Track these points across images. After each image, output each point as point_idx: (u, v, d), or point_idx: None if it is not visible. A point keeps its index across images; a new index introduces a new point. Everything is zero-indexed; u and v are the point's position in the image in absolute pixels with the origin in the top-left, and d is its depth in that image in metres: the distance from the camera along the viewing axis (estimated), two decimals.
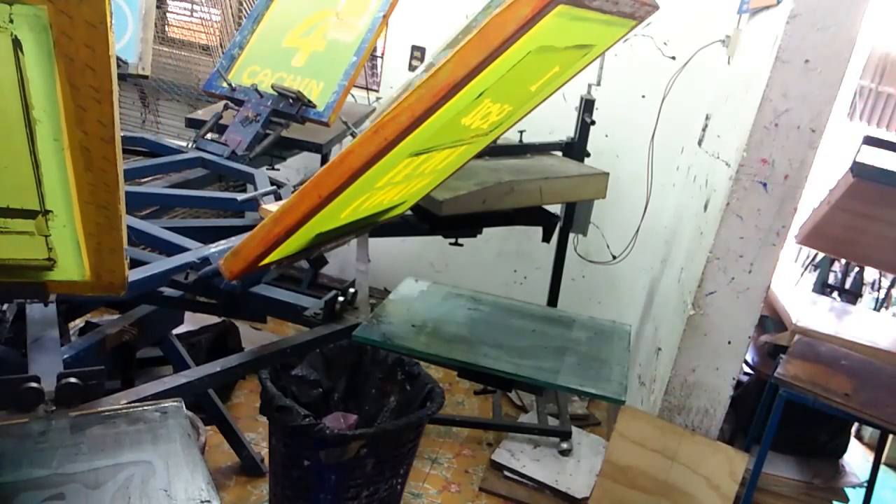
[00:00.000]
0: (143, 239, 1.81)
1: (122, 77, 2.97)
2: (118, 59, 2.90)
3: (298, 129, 2.68)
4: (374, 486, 2.01)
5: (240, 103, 2.66)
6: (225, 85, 2.69)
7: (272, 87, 2.59)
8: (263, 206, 1.89)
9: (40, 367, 1.26)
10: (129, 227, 1.79)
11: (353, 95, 2.79)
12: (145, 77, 3.10)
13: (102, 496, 0.95)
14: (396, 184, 1.51)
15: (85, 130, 0.96)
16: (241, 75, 2.73)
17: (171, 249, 1.72)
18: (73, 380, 1.16)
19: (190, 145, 2.62)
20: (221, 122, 2.68)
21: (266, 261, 1.44)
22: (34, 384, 1.14)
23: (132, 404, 1.19)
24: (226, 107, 2.71)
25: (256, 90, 2.64)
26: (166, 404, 1.19)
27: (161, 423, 1.13)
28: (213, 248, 1.69)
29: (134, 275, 1.49)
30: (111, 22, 0.88)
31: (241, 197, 2.03)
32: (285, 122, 2.63)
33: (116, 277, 1.17)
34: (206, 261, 1.60)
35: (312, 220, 1.33)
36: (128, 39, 3.02)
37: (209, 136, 2.66)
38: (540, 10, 1.03)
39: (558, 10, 1.06)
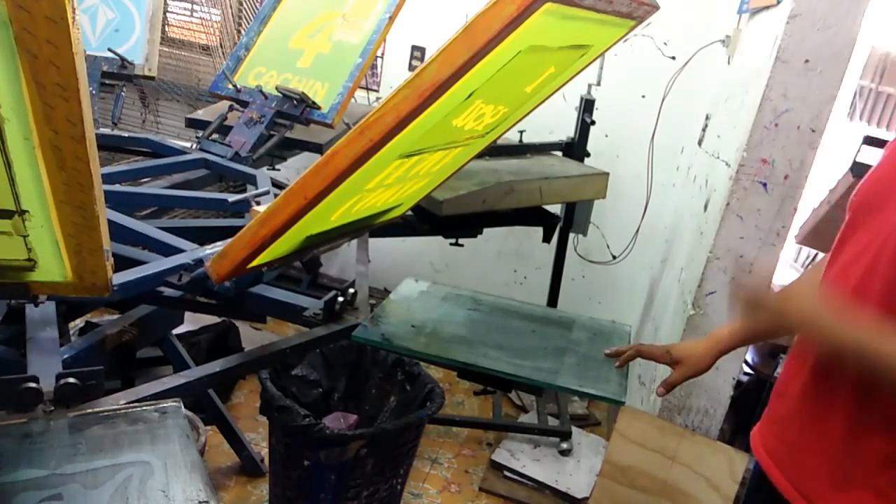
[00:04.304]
0: (139, 239, 1.81)
1: (129, 78, 2.97)
2: (124, 59, 2.91)
3: (300, 128, 2.69)
4: (374, 486, 2.02)
5: (245, 104, 2.67)
6: (230, 86, 2.70)
7: (276, 88, 2.59)
8: (254, 207, 1.88)
9: (39, 367, 1.25)
10: (125, 227, 1.80)
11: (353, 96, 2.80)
12: (151, 78, 3.10)
13: (100, 496, 0.95)
14: (389, 186, 1.49)
15: (55, 129, 0.94)
16: (248, 76, 2.74)
17: (167, 250, 1.72)
18: (71, 380, 1.16)
19: (193, 146, 2.62)
20: (226, 122, 2.68)
21: (255, 263, 1.41)
22: (32, 384, 1.14)
23: (131, 404, 1.19)
24: (231, 108, 2.72)
25: (261, 91, 2.64)
26: (165, 404, 1.19)
27: (160, 423, 1.13)
28: (209, 250, 1.67)
29: (127, 276, 1.49)
30: (74, 18, 0.86)
31: (231, 198, 2.02)
32: (289, 123, 2.63)
33: (99, 279, 1.16)
34: (200, 262, 1.59)
35: (301, 222, 1.31)
36: (135, 41, 3.02)
37: (212, 136, 2.66)
38: (525, 8, 1.00)
39: (546, 9, 1.03)
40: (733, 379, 2.39)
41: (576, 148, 3.07)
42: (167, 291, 1.66)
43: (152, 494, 0.97)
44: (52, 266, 1.12)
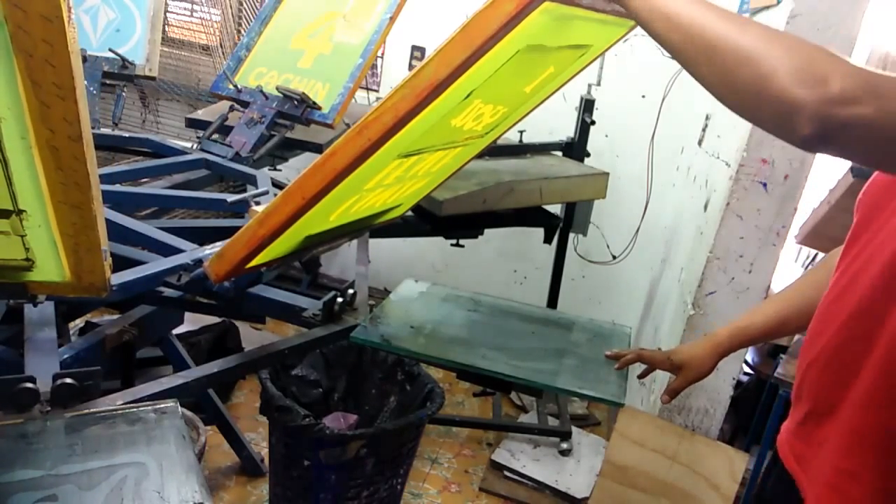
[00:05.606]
0: (138, 239, 1.81)
1: (130, 78, 2.97)
2: (125, 60, 2.91)
3: (301, 129, 2.69)
4: (374, 486, 2.02)
5: (245, 105, 2.67)
6: (231, 86, 2.70)
7: (277, 88, 2.59)
8: (252, 207, 1.88)
9: (36, 367, 1.25)
10: (124, 227, 1.80)
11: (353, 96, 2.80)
12: (153, 78, 3.10)
13: (95, 497, 0.95)
14: (388, 186, 1.48)
15: (51, 128, 0.94)
16: (248, 77, 2.74)
17: (166, 251, 1.71)
18: (68, 380, 1.16)
19: (193, 146, 2.62)
20: (227, 123, 2.68)
21: (253, 263, 1.40)
22: (29, 384, 1.14)
23: (128, 405, 1.19)
24: (231, 108, 2.72)
25: (262, 92, 2.64)
26: (162, 405, 1.18)
27: (157, 424, 1.13)
28: (208, 250, 1.67)
29: (126, 276, 1.48)
30: (69, 17, 0.86)
31: (230, 198, 2.02)
32: (290, 123, 2.63)
33: (97, 278, 1.15)
34: (199, 262, 1.59)
35: (299, 222, 1.30)
36: (136, 41, 3.02)
37: (213, 137, 2.66)
38: (523, 7, 0.99)
39: (545, 8, 1.02)
40: (733, 379, 2.39)
41: (576, 148, 3.07)
42: (167, 291, 1.66)
43: (147, 496, 0.97)
44: (50, 266, 1.12)
